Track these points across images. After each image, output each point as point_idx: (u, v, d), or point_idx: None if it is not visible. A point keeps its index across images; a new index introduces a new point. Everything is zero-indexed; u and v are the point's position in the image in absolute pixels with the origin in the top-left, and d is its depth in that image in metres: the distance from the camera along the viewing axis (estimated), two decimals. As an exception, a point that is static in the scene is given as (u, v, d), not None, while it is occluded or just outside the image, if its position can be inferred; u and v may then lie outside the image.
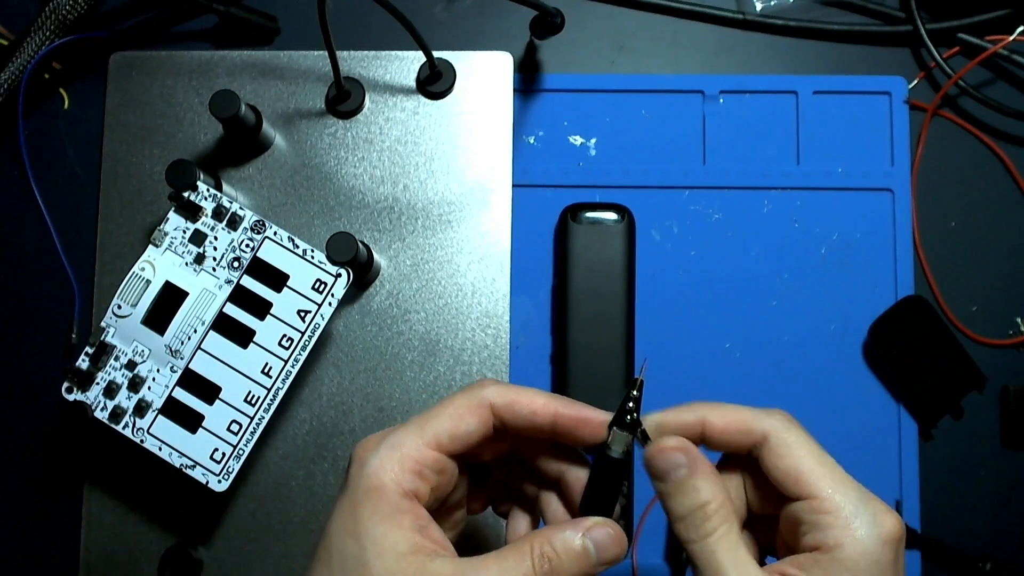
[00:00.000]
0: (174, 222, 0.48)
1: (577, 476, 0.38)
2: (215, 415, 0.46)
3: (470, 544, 0.39)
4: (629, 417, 0.36)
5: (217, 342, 0.47)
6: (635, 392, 0.37)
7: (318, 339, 0.47)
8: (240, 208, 0.48)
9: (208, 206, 0.48)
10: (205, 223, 0.48)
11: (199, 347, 0.47)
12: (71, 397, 0.47)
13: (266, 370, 0.47)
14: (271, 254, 0.47)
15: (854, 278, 0.53)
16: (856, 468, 0.51)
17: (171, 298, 0.47)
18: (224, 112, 0.48)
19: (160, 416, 0.46)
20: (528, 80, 0.54)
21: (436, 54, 0.52)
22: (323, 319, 0.47)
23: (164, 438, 0.46)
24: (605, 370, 0.51)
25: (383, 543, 0.34)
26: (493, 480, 0.41)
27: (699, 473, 0.35)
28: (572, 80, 0.55)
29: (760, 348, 0.53)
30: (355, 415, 0.51)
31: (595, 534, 0.35)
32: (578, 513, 0.37)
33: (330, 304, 0.47)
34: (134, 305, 0.47)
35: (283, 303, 0.47)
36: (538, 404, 0.37)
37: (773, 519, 0.36)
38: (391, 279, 0.52)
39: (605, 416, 0.37)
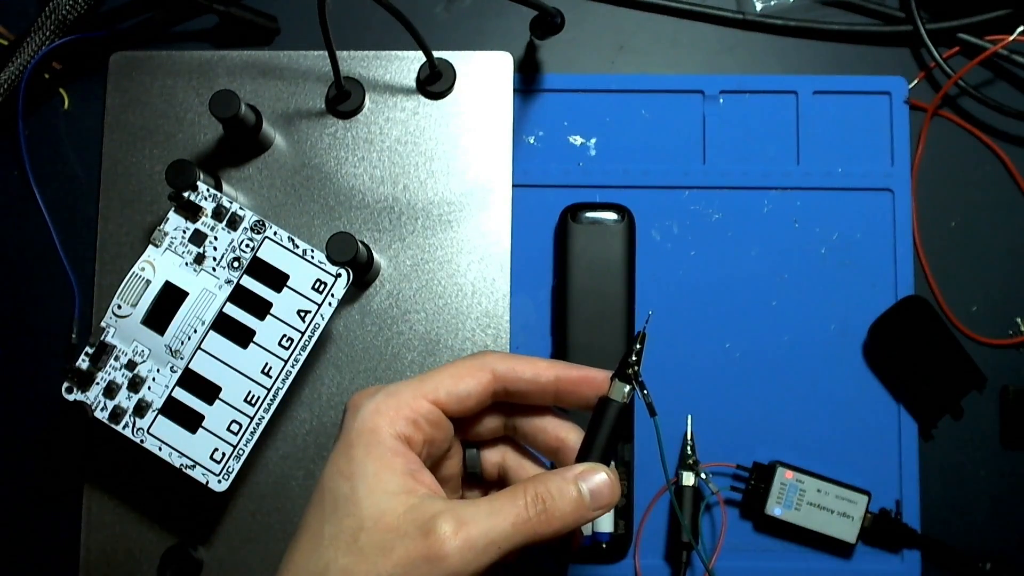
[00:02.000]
0: (174, 222, 0.48)
1: (576, 441, 0.38)
2: (215, 415, 0.46)
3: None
4: (631, 370, 0.37)
5: (217, 342, 0.47)
6: (638, 345, 0.37)
7: (318, 339, 0.47)
8: (240, 208, 0.48)
9: (208, 206, 0.48)
10: (205, 223, 0.48)
11: (199, 347, 0.47)
12: (71, 397, 0.47)
13: (266, 370, 0.47)
14: (271, 254, 0.47)
15: (854, 278, 0.53)
16: (856, 468, 0.52)
17: (171, 298, 0.47)
18: (224, 112, 0.48)
19: (160, 416, 0.46)
20: (528, 80, 0.54)
21: (436, 54, 0.52)
22: (323, 319, 0.47)
23: (164, 438, 0.46)
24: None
25: (374, 483, 0.34)
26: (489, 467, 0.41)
27: None
28: (572, 80, 0.54)
29: (760, 348, 0.53)
30: (355, 415, 0.51)
31: (589, 478, 0.35)
32: (576, 461, 0.37)
33: (330, 304, 0.47)
34: (134, 305, 0.47)
35: (283, 303, 0.47)
36: (541, 366, 0.38)
37: None
38: (391, 279, 0.52)
39: (607, 373, 0.38)
